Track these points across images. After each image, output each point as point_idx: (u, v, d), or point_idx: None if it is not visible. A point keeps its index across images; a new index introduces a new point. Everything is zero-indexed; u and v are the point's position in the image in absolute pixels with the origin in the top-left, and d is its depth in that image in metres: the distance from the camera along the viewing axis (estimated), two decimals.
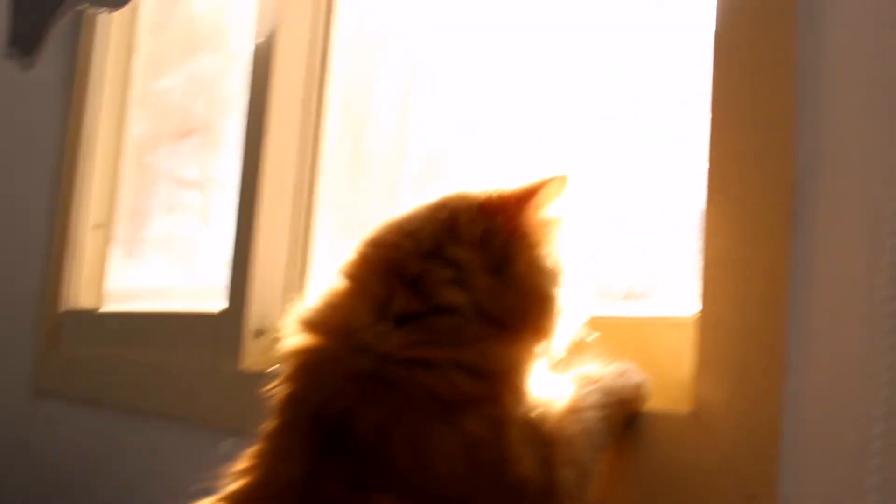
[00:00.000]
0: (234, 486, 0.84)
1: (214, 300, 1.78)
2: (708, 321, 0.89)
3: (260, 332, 1.52)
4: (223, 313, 1.59)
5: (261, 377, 1.44)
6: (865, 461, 0.76)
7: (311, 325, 0.88)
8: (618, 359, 0.93)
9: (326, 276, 0.92)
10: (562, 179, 0.87)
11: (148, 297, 2.01)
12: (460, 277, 0.84)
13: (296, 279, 1.56)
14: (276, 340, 1.50)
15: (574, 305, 0.90)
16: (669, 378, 0.95)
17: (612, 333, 0.98)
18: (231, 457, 0.82)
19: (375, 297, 0.85)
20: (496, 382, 0.83)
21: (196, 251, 1.92)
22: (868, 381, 0.77)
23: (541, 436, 0.84)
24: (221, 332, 1.57)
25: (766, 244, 0.85)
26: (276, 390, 0.88)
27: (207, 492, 0.86)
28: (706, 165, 0.92)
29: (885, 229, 0.78)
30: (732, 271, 0.87)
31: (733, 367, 0.85)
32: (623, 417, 0.91)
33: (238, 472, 0.85)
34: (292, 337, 0.88)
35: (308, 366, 0.87)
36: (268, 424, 0.87)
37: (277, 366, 0.89)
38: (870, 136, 0.81)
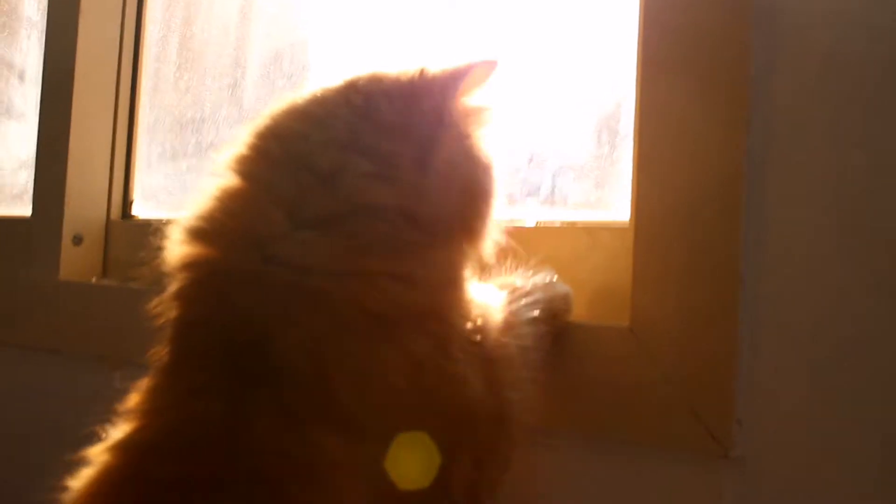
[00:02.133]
0: (128, 429, 0.69)
1: (10, 202, 1.60)
2: (643, 228, 0.83)
3: (79, 239, 1.36)
4: (35, 218, 1.40)
5: (83, 287, 1.31)
6: (830, 377, 0.74)
7: (205, 234, 0.73)
8: (540, 267, 0.86)
9: (207, 173, 0.77)
10: (490, 64, 0.77)
11: None
12: (383, 171, 0.72)
13: (117, 180, 1.40)
14: (96, 247, 1.38)
15: (501, 205, 0.80)
16: (608, 287, 0.89)
17: (539, 238, 0.91)
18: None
19: (284, 197, 0.72)
20: (436, 293, 0.73)
21: None
22: (835, 289, 0.74)
23: (484, 354, 0.74)
24: (34, 239, 1.38)
25: (717, 137, 0.79)
26: (167, 312, 0.73)
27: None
28: (637, 60, 0.85)
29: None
30: (671, 172, 0.81)
31: (674, 276, 0.80)
32: (553, 331, 0.84)
33: (132, 412, 0.70)
34: (180, 248, 0.73)
35: (209, 283, 0.72)
36: (161, 354, 0.72)
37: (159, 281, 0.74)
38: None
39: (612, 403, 0.82)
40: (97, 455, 0.69)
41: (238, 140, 0.77)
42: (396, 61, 0.79)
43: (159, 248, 0.76)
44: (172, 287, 0.73)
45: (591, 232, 0.92)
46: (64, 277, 1.34)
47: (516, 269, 0.85)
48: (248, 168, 0.75)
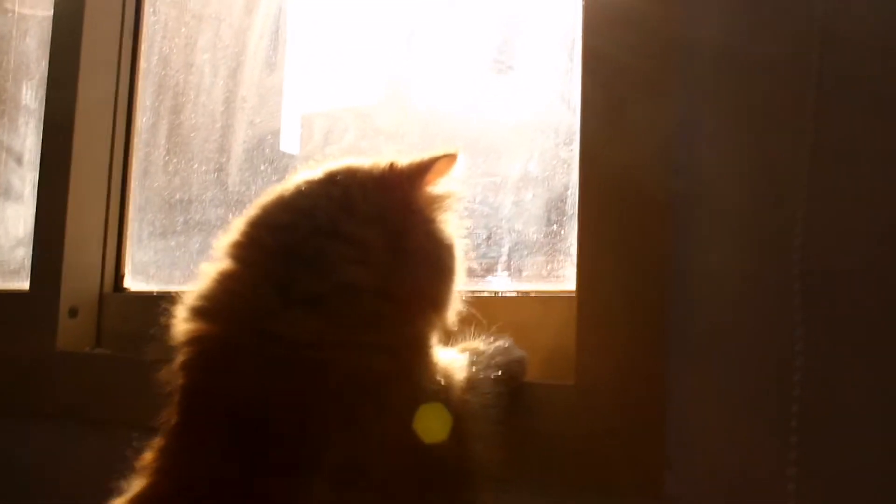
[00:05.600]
0: (143, 485, 0.80)
1: (8, 277, 1.69)
2: (586, 297, 0.94)
3: (75, 311, 1.46)
4: (34, 292, 1.50)
5: (79, 357, 1.41)
6: (748, 426, 0.85)
7: (207, 312, 0.84)
8: (499, 333, 0.97)
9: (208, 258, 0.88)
10: (451, 156, 0.88)
11: None
12: (360, 255, 0.83)
13: (110, 256, 1.51)
14: (90, 319, 1.48)
15: (463, 278, 0.92)
16: (558, 350, 1.00)
17: (494, 308, 1.02)
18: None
19: (276, 279, 0.82)
20: (404, 358, 0.83)
21: None
22: (747, 349, 0.85)
23: (450, 401, 0.85)
24: (33, 312, 1.48)
25: (643, 225, 0.91)
26: (174, 381, 0.83)
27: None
28: (580, 140, 0.97)
29: (764, 197, 0.87)
30: (610, 249, 0.93)
31: (614, 340, 0.91)
32: (510, 390, 0.94)
33: (145, 469, 0.81)
34: (184, 324, 0.84)
35: (211, 356, 0.82)
36: (170, 418, 0.83)
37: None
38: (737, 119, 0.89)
39: (561, 453, 0.92)
40: None
41: (233, 229, 0.87)
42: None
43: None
44: (178, 359, 0.83)
45: (543, 301, 1.04)
46: (61, 348, 1.44)
47: (479, 335, 0.96)
48: (244, 254, 0.85)
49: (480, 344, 0.96)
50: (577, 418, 0.92)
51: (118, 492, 0.82)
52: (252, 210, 0.89)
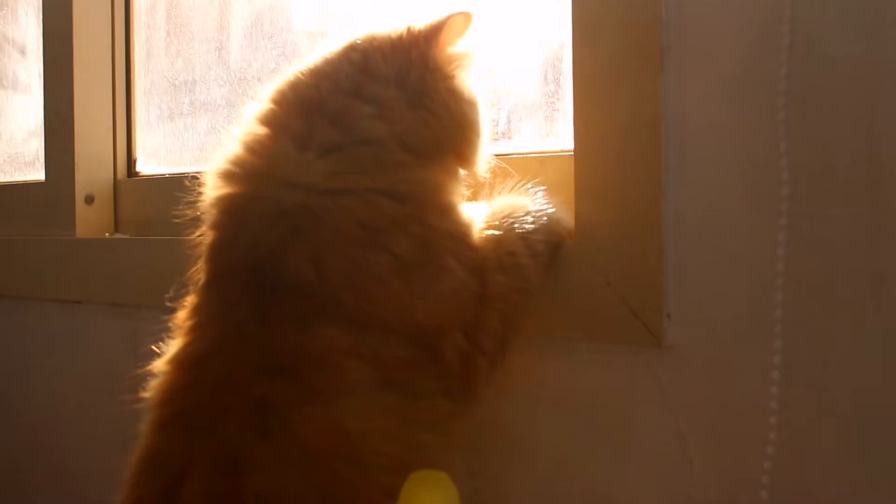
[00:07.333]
0: (180, 343, 0.85)
1: (25, 169, 1.72)
2: (583, 155, 0.94)
3: (91, 199, 1.49)
4: (49, 182, 1.53)
5: (98, 243, 1.44)
6: (740, 274, 0.86)
7: (233, 175, 0.88)
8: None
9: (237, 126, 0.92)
10: (466, 15, 0.90)
11: None
12: (381, 113, 0.86)
13: (120, 142, 1.52)
14: (106, 205, 1.50)
15: (489, 131, 0.95)
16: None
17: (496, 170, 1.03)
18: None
19: (296, 133, 0.86)
20: (418, 203, 0.86)
21: None
22: (741, 197, 0.86)
23: (469, 244, 0.88)
24: (50, 201, 1.51)
25: (636, 80, 0.90)
26: (200, 240, 0.89)
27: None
28: (572, 13, 0.95)
29: (754, 50, 0.86)
30: (605, 105, 0.92)
31: (611, 195, 0.92)
32: (552, 249, 0.94)
33: (181, 327, 0.86)
34: (213, 190, 0.89)
35: (232, 211, 0.87)
36: (199, 276, 0.88)
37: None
38: None
39: (563, 306, 0.94)
40: (160, 368, 0.85)
41: (261, 95, 0.91)
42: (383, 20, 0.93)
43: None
44: (207, 221, 0.88)
45: (542, 161, 1.04)
46: (80, 235, 1.47)
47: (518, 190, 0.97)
48: (270, 117, 0.89)
49: (522, 200, 0.95)
50: (578, 273, 0.93)
51: (141, 370, 0.87)
52: (279, 79, 0.93)
